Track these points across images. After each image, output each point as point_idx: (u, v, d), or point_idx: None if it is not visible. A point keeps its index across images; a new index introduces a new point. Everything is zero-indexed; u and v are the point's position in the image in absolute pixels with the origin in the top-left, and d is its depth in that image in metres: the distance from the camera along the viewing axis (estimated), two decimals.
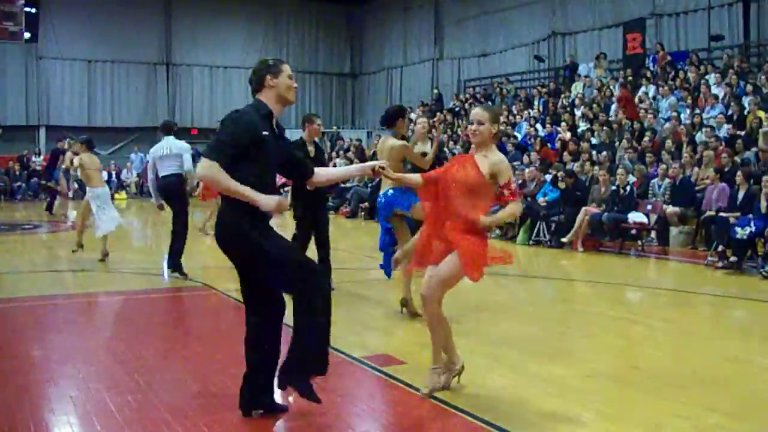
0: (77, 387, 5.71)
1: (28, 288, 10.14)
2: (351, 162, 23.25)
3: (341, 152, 26.47)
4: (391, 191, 8.01)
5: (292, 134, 8.88)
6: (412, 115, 20.07)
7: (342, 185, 22.02)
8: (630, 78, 21.43)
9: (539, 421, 4.97)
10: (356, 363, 6.43)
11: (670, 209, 14.12)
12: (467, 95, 28.43)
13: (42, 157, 29.68)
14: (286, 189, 12.57)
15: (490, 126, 5.43)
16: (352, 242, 16.34)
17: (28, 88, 32.26)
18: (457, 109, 27.30)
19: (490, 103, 26.15)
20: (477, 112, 5.50)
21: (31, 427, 4.84)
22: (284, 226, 11.69)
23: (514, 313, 8.90)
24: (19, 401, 5.36)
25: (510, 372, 6.24)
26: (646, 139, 17.29)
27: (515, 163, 18.07)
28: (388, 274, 8.75)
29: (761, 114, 15.98)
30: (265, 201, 4.65)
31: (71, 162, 12.35)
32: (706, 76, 19.24)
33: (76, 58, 32.98)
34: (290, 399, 5.13)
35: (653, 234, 14.39)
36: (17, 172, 29.42)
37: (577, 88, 23.33)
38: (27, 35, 32.19)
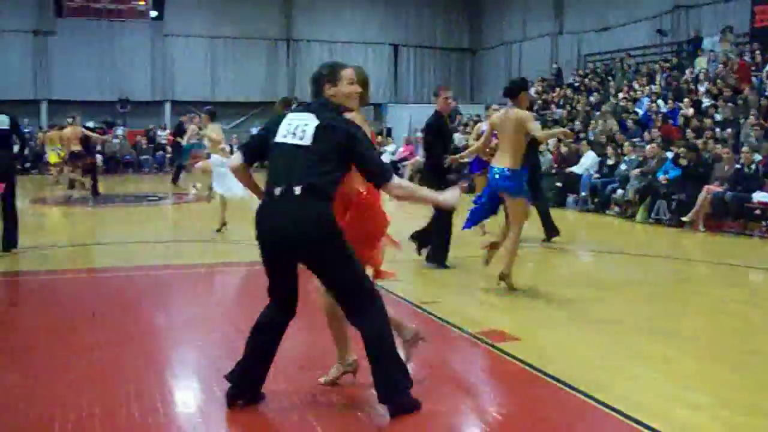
0: (198, 354, 5.90)
1: (154, 257, 10.50)
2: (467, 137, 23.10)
3: (461, 127, 26.35)
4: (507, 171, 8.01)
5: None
6: (531, 90, 19.82)
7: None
8: (758, 53, 20.57)
9: (654, 404, 4.86)
10: (469, 337, 6.44)
11: None
12: (587, 70, 27.87)
13: (167, 131, 30.68)
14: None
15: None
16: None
17: (155, 65, 33.27)
18: (576, 84, 26.81)
19: (610, 78, 25.60)
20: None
21: (156, 390, 5.03)
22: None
23: (630, 292, 8.70)
24: (146, 365, 5.58)
25: (623, 352, 6.13)
26: None
27: (635, 140, 17.69)
28: (467, 225, 8.76)
29: None
30: (451, 198, 4.82)
31: (196, 133, 12.64)
32: None
33: (200, 34, 33.81)
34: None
35: None
36: (144, 146, 30.42)
37: (701, 63, 22.52)
38: (153, 13, 33.33)
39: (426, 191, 5.02)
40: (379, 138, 27.85)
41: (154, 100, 33.13)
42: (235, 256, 10.89)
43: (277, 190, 4.49)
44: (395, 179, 4.60)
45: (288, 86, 34.22)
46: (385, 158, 27.80)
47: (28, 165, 27.60)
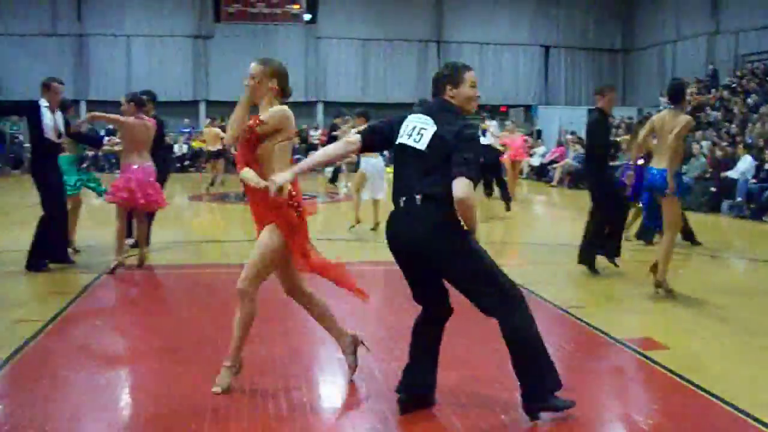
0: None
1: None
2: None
3: (613, 129, 25.80)
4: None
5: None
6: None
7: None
8: None
9: None
10: (617, 344, 6.34)
11: None
12: (745, 71, 26.76)
13: (320, 131, 31.37)
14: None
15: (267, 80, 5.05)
16: None
17: (308, 67, 34.10)
18: (733, 85, 25.78)
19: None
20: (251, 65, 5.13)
21: (303, 383, 5.18)
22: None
23: None
24: (292, 359, 5.76)
25: None
26: None
27: None
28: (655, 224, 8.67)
29: None
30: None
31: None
32: None
33: (352, 37, 34.44)
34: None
35: None
36: (297, 146, 31.17)
37: None
38: (307, 17, 34.16)
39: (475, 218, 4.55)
40: (530, 140, 27.55)
41: (307, 101, 33.92)
42: (384, 255, 11.01)
43: (402, 200, 4.54)
44: (471, 185, 4.33)
45: None
46: (535, 161, 27.53)
47: (186, 163, 29.05)
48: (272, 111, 4.95)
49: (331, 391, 5.24)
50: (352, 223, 12.94)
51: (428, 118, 4.60)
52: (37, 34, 32.70)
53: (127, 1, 33.29)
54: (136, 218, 9.67)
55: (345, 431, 4.66)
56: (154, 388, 5.15)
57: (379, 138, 4.85)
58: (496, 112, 29.10)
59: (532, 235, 14.26)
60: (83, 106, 30.58)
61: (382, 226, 11.99)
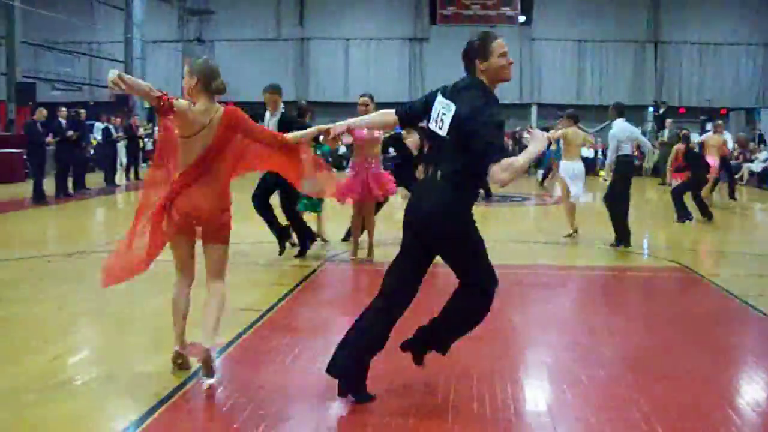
0: (550, 354, 5.99)
1: (514, 256, 10.75)
2: None
3: None
4: None
5: None
6: None
7: None
8: None
9: None
10: None
11: None
12: None
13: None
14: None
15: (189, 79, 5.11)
16: None
17: (522, 69, 33.94)
18: None
19: None
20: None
21: (508, 385, 5.18)
22: None
23: None
24: (500, 360, 5.77)
25: None
26: None
27: None
28: None
29: None
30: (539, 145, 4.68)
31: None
32: None
33: (567, 38, 33.97)
34: None
35: None
36: (510, 147, 31.06)
37: None
38: (522, 18, 34.03)
39: (522, 158, 4.51)
40: (751, 145, 26.15)
41: (521, 102, 33.77)
42: (601, 260, 10.87)
43: (428, 175, 4.75)
44: (503, 162, 4.33)
45: (655, 90, 33.29)
46: (756, 166, 26.03)
47: None
48: None
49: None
50: (568, 231, 12.46)
51: (450, 102, 4.60)
52: (262, 40, 34.46)
53: (347, 6, 34.49)
54: (365, 212, 9.89)
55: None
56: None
57: (413, 114, 5.00)
58: (716, 114, 27.86)
59: (751, 245, 13.50)
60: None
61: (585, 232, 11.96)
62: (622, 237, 11.40)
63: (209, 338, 4.97)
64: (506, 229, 13.09)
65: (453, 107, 4.56)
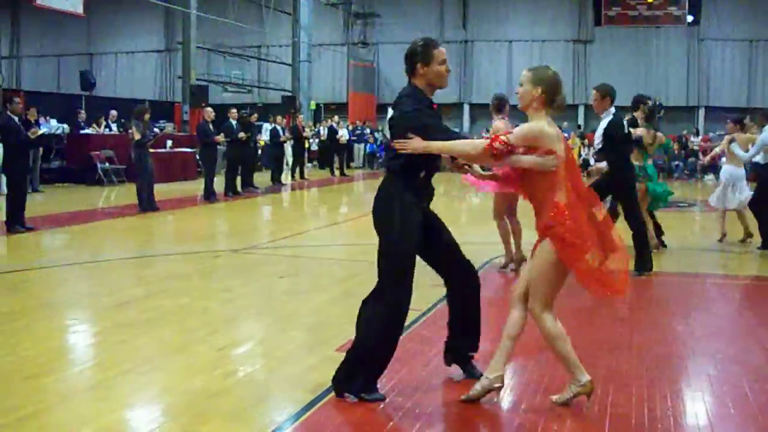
0: (715, 366, 5.79)
1: (680, 264, 10.43)
2: None
3: None
4: None
5: None
6: None
7: None
8: None
9: None
10: None
11: None
12: None
13: (700, 137, 30.11)
14: None
15: (531, 88, 4.65)
16: None
17: (689, 70, 32.87)
18: None
19: None
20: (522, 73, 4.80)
21: (668, 395, 5.06)
22: None
23: None
24: (660, 368, 5.63)
25: None
26: None
27: None
28: None
29: None
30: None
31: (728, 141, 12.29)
32: None
33: (737, 38, 32.59)
34: None
35: None
36: (675, 152, 30.13)
37: None
38: (690, 18, 32.89)
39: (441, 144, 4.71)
40: None
41: (688, 105, 32.69)
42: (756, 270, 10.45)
43: None
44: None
45: None
46: None
47: None
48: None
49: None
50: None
51: (391, 109, 4.98)
52: None
53: (510, 8, 34.41)
54: (510, 217, 9.80)
55: None
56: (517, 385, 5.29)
57: None
58: None
59: None
60: (465, 108, 32.16)
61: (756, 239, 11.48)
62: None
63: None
64: (667, 236, 12.67)
65: (390, 113, 5.00)
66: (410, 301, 4.84)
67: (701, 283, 9.40)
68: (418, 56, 4.85)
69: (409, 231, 4.75)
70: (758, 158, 11.66)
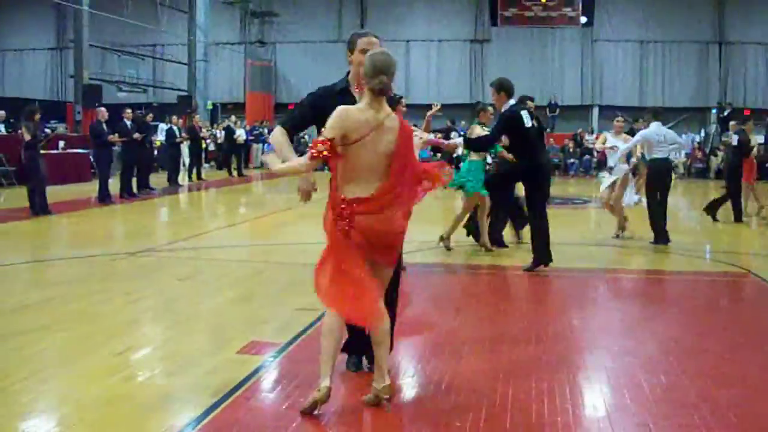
0: (612, 359, 5.93)
1: (576, 259, 10.66)
2: None
3: None
4: None
5: None
6: None
7: None
8: None
9: None
10: None
11: None
12: None
13: (594, 135, 30.90)
14: None
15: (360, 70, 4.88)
16: None
17: (584, 70, 33.71)
18: None
19: None
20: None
21: (567, 388, 5.15)
22: None
23: None
24: (559, 362, 5.74)
25: None
26: None
27: None
28: None
29: None
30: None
31: None
32: None
33: (629, 39, 33.60)
34: None
35: None
36: (571, 149, 30.86)
37: None
38: (583, 20, 33.80)
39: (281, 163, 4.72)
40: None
41: (582, 104, 33.51)
42: (656, 265, 10.77)
43: None
44: (277, 129, 5.01)
45: (720, 92, 32.71)
46: None
47: None
48: None
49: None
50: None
51: None
52: (324, 41, 34.83)
53: (408, 8, 34.65)
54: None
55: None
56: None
57: None
58: None
59: None
60: None
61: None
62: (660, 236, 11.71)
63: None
64: (568, 231, 12.94)
65: None
66: None
67: (596, 278, 9.62)
68: (348, 45, 5.10)
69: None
70: (645, 154, 12.11)
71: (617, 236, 12.36)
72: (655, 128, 11.76)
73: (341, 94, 5.00)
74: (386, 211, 4.51)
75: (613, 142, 12.36)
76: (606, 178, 12.66)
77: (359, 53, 4.93)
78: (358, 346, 5.25)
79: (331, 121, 4.42)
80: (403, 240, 4.81)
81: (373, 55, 4.56)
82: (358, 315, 4.57)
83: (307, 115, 5.13)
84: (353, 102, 4.80)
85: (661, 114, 12.29)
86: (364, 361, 5.40)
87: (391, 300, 5.09)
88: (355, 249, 4.50)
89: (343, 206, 4.49)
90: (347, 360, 5.40)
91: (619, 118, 13.05)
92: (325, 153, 4.35)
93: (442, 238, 10.80)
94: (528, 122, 9.44)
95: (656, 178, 11.87)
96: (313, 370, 5.18)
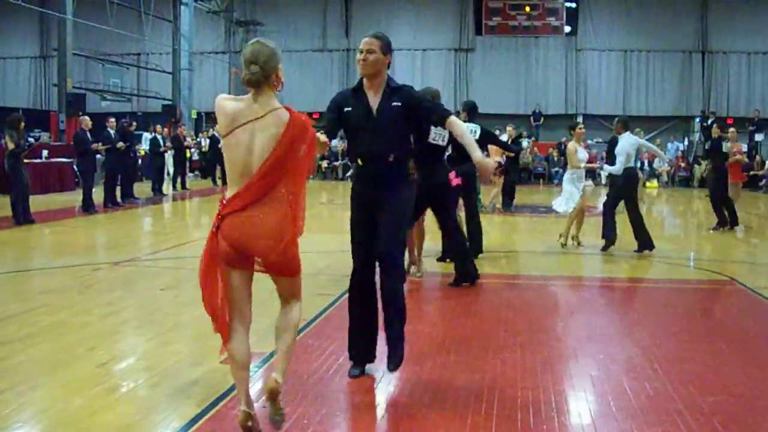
0: (597, 367, 5.94)
1: (560, 268, 10.67)
2: None
3: None
4: None
5: None
6: None
7: None
8: None
9: None
10: None
11: None
12: None
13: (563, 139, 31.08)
14: None
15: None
16: None
17: (568, 79, 33.83)
18: None
19: None
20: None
21: (552, 396, 5.16)
22: None
23: None
24: (544, 370, 5.75)
25: None
26: None
27: None
28: None
29: None
30: None
31: None
32: None
33: (613, 48, 33.75)
34: None
35: None
36: (555, 159, 30.87)
37: None
38: (567, 29, 33.96)
39: None
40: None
41: (566, 113, 33.63)
42: (639, 272, 10.80)
43: None
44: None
45: (703, 100, 32.90)
46: None
47: None
48: None
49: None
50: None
51: None
52: (309, 50, 34.88)
53: (392, 17, 34.68)
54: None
55: None
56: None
57: None
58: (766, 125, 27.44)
59: None
60: None
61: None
62: (645, 243, 11.76)
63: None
64: (550, 240, 12.95)
65: None
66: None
67: (580, 286, 9.65)
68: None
69: (352, 206, 5.47)
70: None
71: (563, 245, 12.31)
72: (630, 139, 11.92)
73: (355, 93, 5.40)
74: (249, 210, 4.14)
75: (580, 151, 12.37)
76: (575, 193, 12.39)
77: (358, 53, 5.36)
78: (360, 356, 5.55)
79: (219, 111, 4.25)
80: (283, 248, 4.32)
81: (245, 47, 4.35)
82: (214, 326, 4.40)
83: (331, 117, 5.39)
84: (366, 100, 5.33)
85: (630, 123, 12.45)
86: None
87: (397, 310, 5.37)
88: (222, 258, 4.26)
89: (219, 208, 4.24)
90: (350, 368, 5.56)
91: (581, 125, 12.95)
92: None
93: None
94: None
95: (632, 186, 12.12)
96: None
